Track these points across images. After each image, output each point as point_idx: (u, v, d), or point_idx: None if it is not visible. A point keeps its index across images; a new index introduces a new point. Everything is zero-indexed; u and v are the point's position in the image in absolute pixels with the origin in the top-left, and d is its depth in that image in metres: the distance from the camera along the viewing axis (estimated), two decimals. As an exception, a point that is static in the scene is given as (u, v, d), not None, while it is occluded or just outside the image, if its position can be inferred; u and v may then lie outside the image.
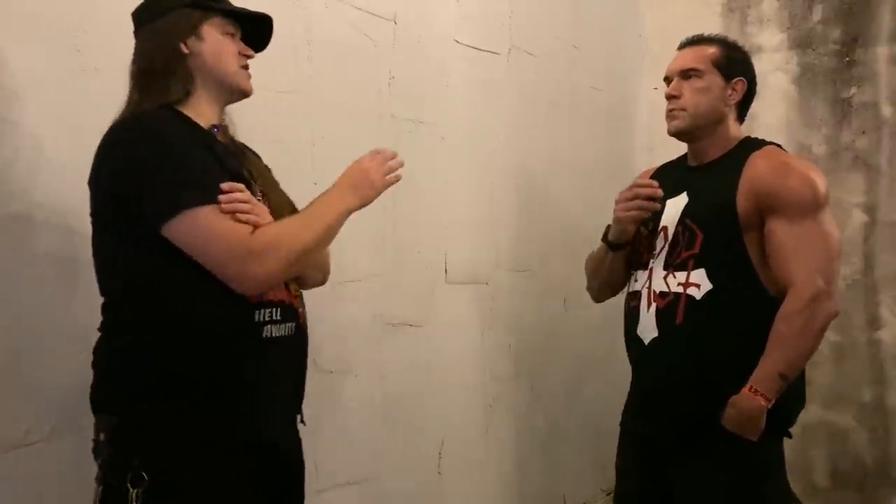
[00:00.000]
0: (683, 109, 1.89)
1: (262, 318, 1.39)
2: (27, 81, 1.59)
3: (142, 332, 1.36)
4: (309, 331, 1.53)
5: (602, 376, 3.09)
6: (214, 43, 1.46)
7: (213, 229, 1.32)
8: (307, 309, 1.54)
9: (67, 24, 1.65)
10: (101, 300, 1.44)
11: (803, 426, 3.17)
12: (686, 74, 1.90)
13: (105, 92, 1.71)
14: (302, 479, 1.55)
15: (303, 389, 1.55)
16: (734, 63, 1.91)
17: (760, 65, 3.28)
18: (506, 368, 2.82)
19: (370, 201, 1.50)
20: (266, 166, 1.59)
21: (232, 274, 1.33)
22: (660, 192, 1.88)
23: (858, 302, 3.09)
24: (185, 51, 1.44)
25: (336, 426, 1.92)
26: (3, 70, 1.55)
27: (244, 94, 1.53)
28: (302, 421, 1.56)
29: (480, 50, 2.73)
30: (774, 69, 3.25)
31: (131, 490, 1.29)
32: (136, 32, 1.49)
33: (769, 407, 1.69)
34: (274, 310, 1.40)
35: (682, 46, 1.96)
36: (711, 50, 1.91)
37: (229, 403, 1.36)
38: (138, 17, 1.49)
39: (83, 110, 1.68)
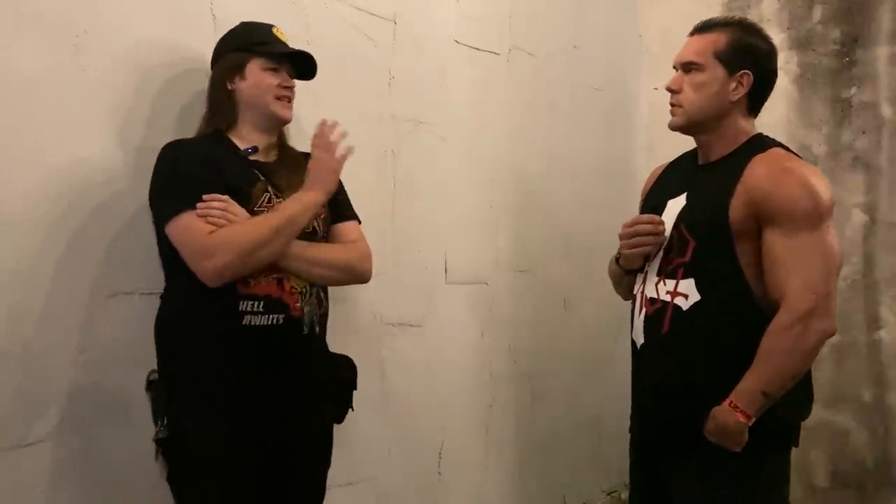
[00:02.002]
0: (680, 106, 1.79)
1: (244, 308, 1.65)
2: (28, 81, 1.59)
3: (168, 310, 1.71)
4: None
5: (602, 377, 3.09)
6: (254, 79, 1.76)
7: (184, 229, 1.62)
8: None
9: (67, 24, 1.65)
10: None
11: (803, 426, 3.17)
12: (687, 67, 1.78)
13: (105, 92, 1.72)
14: (296, 456, 1.75)
15: (306, 376, 1.74)
16: (741, 53, 1.75)
17: (760, 65, 3.31)
18: (506, 368, 2.82)
19: (334, 185, 1.77)
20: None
21: (193, 267, 1.63)
22: (661, 228, 1.79)
23: (858, 302, 3.08)
24: (231, 87, 1.77)
25: (336, 426, 1.92)
26: (4, 70, 1.55)
27: (281, 120, 1.81)
28: (351, 407, 1.87)
29: (480, 50, 2.73)
30: (774, 69, 3.25)
31: (157, 427, 1.66)
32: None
33: (750, 423, 1.62)
34: (257, 302, 1.66)
35: (693, 33, 1.82)
36: (718, 39, 1.76)
37: (214, 374, 1.65)
38: (212, 59, 1.82)
39: (83, 110, 1.68)
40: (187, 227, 1.61)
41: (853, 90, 3.12)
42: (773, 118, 3.23)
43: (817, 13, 3.21)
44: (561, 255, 3.00)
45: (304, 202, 1.70)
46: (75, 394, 1.66)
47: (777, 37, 3.26)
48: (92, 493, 1.69)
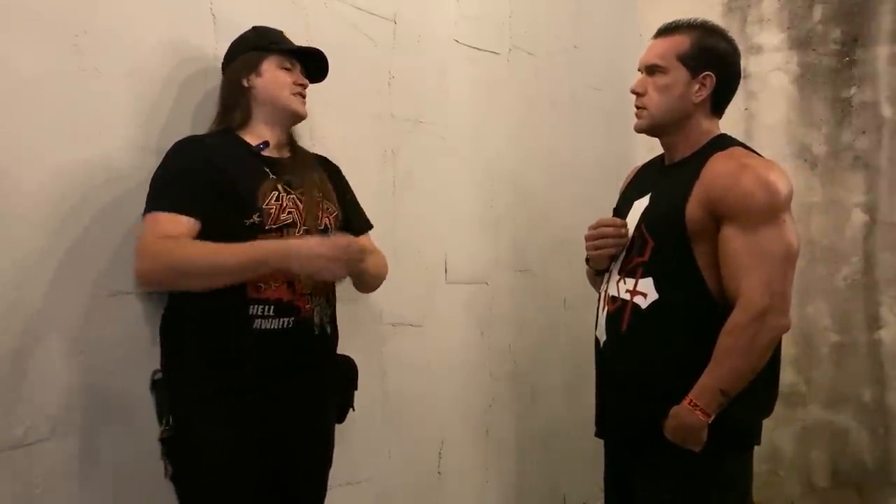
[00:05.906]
0: (645, 108, 1.81)
1: (254, 313, 1.66)
2: (27, 81, 1.59)
3: (175, 311, 1.71)
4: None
5: (602, 376, 3.09)
6: (270, 77, 1.79)
7: (146, 226, 1.64)
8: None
9: (67, 24, 1.65)
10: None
11: (803, 426, 3.18)
12: (651, 70, 1.80)
13: (105, 92, 1.72)
14: (302, 457, 1.77)
15: (318, 379, 1.77)
16: (704, 55, 1.76)
17: (760, 65, 3.31)
18: (506, 368, 2.82)
19: (308, 268, 1.63)
20: (320, 180, 1.84)
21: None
22: (624, 231, 1.83)
23: (858, 302, 3.09)
24: (246, 85, 1.79)
25: (336, 426, 1.93)
26: (4, 70, 1.55)
27: (297, 115, 1.83)
28: (352, 407, 1.90)
29: (480, 50, 2.73)
30: (774, 69, 3.25)
31: (161, 427, 1.66)
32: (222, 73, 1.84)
33: (709, 421, 1.63)
34: (267, 307, 1.66)
35: (656, 35, 1.84)
36: (681, 42, 1.77)
37: (223, 377, 1.65)
38: (223, 62, 1.84)
39: (83, 110, 1.68)
40: (150, 227, 1.63)
41: (853, 90, 3.13)
42: (773, 118, 3.24)
43: (817, 13, 3.21)
44: (561, 255, 3.00)
45: (251, 256, 1.61)
46: (75, 394, 1.66)
47: (777, 37, 3.28)
48: (92, 493, 1.68)
